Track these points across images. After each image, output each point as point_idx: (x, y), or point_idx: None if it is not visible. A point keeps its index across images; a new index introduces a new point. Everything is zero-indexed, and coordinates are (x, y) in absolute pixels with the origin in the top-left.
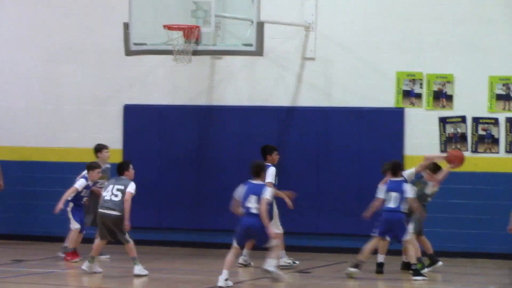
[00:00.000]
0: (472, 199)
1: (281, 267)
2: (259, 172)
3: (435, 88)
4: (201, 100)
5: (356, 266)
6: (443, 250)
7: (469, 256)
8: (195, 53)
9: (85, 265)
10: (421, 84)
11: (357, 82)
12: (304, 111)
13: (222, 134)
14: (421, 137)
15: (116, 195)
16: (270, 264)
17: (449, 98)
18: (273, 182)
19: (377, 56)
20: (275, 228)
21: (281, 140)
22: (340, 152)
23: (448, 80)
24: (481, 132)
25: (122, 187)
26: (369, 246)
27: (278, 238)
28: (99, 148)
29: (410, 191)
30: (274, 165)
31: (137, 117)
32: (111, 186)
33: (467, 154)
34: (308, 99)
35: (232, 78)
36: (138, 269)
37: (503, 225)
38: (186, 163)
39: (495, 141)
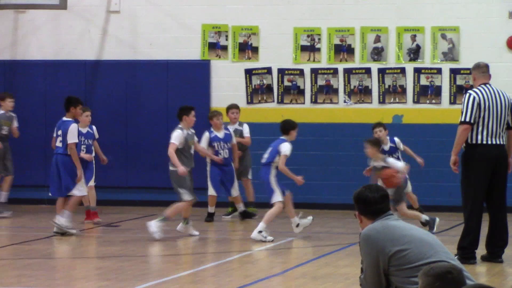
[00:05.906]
0: None
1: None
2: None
3: (241, 40)
4: (5, 55)
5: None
6: None
7: None
8: None
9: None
10: (226, 36)
11: (162, 35)
12: (110, 65)
13: (27, 89)
14: (228, 89)
15: None
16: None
17: (255, 50)
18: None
19: (182, 9)
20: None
21: (88, 95)
22: (148, 106)
23: (253, 32)
24: (286, 83)
25: None
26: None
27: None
28: (3, 97)
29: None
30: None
31: None
32: None
33: (273, 105)
34: (114, 53)
35: (36, 32)
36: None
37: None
38: None
39: (301, 92)
